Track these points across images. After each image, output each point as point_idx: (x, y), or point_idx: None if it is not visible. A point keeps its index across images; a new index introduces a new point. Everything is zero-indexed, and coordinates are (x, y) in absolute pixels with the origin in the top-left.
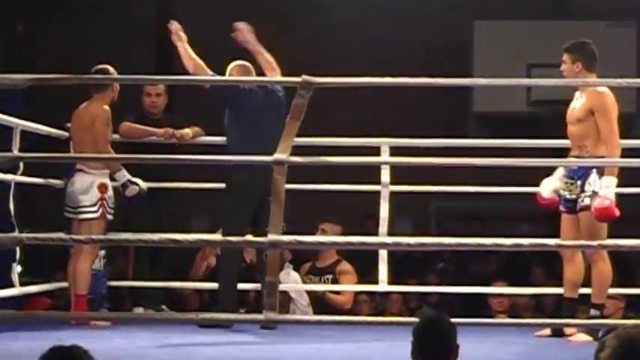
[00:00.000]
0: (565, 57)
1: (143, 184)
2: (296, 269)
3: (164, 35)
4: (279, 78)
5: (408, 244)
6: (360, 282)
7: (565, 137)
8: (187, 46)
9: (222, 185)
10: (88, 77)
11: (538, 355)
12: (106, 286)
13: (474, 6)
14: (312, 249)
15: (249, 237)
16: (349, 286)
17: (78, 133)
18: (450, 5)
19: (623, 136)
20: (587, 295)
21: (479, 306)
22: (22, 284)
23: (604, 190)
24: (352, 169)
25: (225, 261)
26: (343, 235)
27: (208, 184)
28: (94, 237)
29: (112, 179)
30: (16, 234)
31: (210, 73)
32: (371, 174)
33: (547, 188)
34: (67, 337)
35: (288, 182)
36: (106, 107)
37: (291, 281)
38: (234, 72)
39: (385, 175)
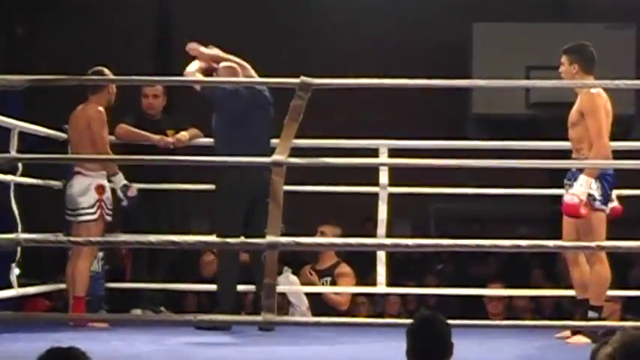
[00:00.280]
0: (563, 58)
1: (135, 189)
2: (296, 272)
3: (163, 36)
4: (277, 79)
5: (407, 246)
6: (358, 284)
7: (563, 139)
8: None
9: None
10: (86, 78)
11: (536, 357)
12: (104, 287)
13: (472, 8)
14: (311, 251)
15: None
16: (348, 288)
17: (75, 135)
18: (448, 7)
19: (621, 138)
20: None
21: (478, 308)
22: (20, 286)
23: (577, 188)
24: (351, 171)
25: (222, 263)
26: (342, 237)
27: (207, 185)
28: (91, 239)
29: (109, 181)
30: (14, 235)
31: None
32: (370, 176)
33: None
34: (65, 339)
35: (286, 184)
36: (101, 109)
37: (294, 288)
38: (223, 73)
39: (384, 177)
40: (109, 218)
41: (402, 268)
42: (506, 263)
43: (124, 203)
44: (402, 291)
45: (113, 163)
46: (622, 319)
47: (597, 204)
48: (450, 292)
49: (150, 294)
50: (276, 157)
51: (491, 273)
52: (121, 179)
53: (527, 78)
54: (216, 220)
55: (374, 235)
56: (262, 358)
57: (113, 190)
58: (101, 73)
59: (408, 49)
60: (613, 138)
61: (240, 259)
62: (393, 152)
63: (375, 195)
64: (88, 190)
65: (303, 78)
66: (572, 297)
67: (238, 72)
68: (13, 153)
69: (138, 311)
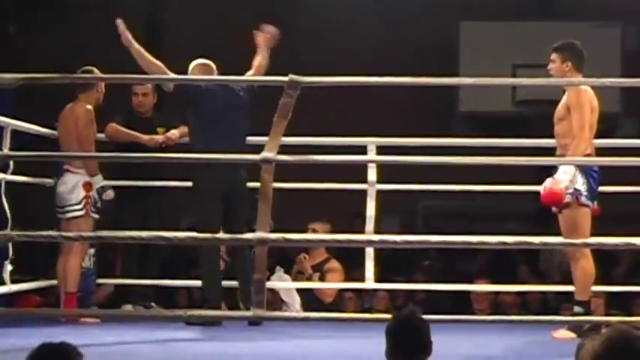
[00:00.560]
0: (554, 56)
1: (111, 192)
2: (287, 272)
3: (153, 35)
4: (266, 77)
5: (395, 242)
6: (347, 279)
7: (550, 136)
8: (138, 46)
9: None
10: (76, 77)
11: (523, 352)
12: (96, 283)
13: (460, 7)
14: (301, 247)
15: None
16: (336, 284)
17: (64, 133)
18: (436, 6)
19: (608, 136)
20: (572, 293)
21: (465, 303)
22: (12, 282)
23: (560, 174)
24: (341, 168)
25: (204, 260)
26: (332, 234)
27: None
28: (83, 234)
29: None
30: (6, 231)
31: (169, 72)
32: (359, 173)
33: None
34: (57, 334)
35: (275, 181)
36: (89, 107)
37: (285, 287)
38: (197, 71)
39: (372, 174)
40: (95, 215)
41: (391, 264)
42: (493, 259)
43: (98, 205)
44: (390, 287)
45: (94, 164)
46: (606, 314)
47: (583, 199)
48: (438, 288)
49: (141, 290)
50: (265, 154)
51: (478, 269)
52: (99, 180)
53: (514, 76)
54: (195, 217)
55: (362, 232)
56: (252, 352)
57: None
58: (90, 73)
59: (397, 47)
60: (599, 135)
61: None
62: (382, 150)
63: (364, 192)
64: (76, 187)
65: (292, 76)
66: (558, 292)
67: (213, 70)
68: (6, 151)
69: (129, 307)
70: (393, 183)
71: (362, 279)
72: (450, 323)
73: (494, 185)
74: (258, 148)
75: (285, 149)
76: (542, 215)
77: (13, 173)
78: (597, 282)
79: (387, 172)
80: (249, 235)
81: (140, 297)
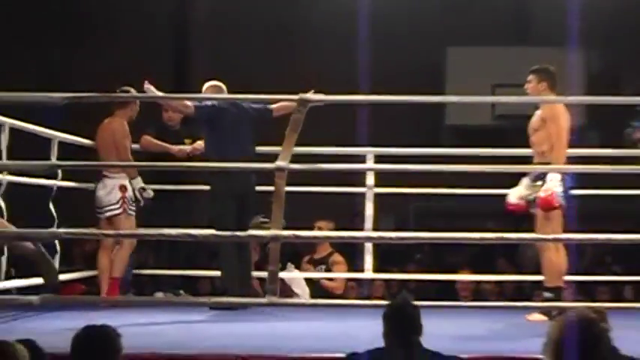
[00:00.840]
0: (531, 77)
1: (150, 191)
2: (297, 263)
3: (180, 60)
4: (279, 96)
5: (390, 238)
6: (349, 271)
7: (525, 146)
8: (161, 94)
9: None
10: (113, 95)
11: (500, 332)
12: (132, 273)
13: (446, 34)
14: (309, 242)
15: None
16: (340, 274)
17: (102, 144)
18: (426, 33)
19: (575, 146)
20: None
21: (451, 291)
22: (59, 273)
23: (549, 183)
24: (343, 174)
25: (223, 255)
26: (335, 231)
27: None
28: (121, 232)
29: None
30: (54, 229)
31: (188, 104)
32: (359, 178)
33: (514, 195)
34: (98, 318)
35: (287, 185)
36: (124, 122)
37: (295, 280)
38: (209, 92)
39: (370, 179)
40: (132, 213)
41: (386, 257)
42: (475, 253)
43: (141, 203)
44: (386, 277)
45: (134, 169)
46: (573, 300)
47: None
48: (427, 278)
49: (170, 279)
50: (279, 162)
51: (462, 261)
52: (138, 182)
53: (493, 94)
54: (213, 216)
55: (362, 229)
56: (267, 332)
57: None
58: (127, 92)
59: (393, 69)
60: (569, 145)
61: None
62: (379, 158)
63: (363, 195)
64: (113, 190)
65: (302, 95)
66: (531, 281)
67: (223, 90)
68: (54, 160)
69: (160, 294)
70: (388, 187)
71: (362, 270)
72: (437, 308)
73: (476, 189)
74: (264, 157)
75: (295, 158)
76: (519, 215)
77: (62, 179)
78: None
79: (383, 178)
80: (264, 233)
81: (169, 286)
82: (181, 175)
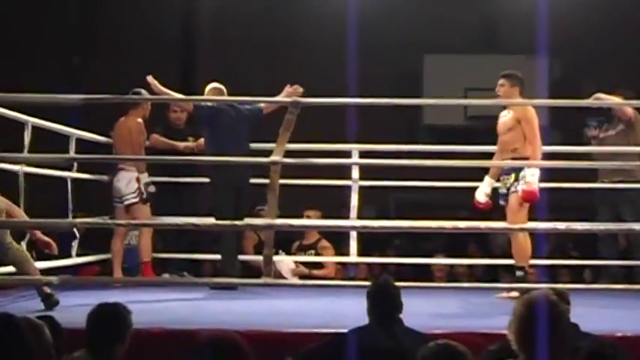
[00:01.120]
0: (504, 81)
1: (153, 187)
2: (287, 248)
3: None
4: (274, 98)
5: (373, 227)
6: (335, 255)
7: (493, 144)
8: (165, 90)
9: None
10: (125, 97)
11: (471, 310)
12: (140, 257)
13: (424, 43)
14: (300, 230)
15: (252, 220)
16: (327, 258)
17: (119, 140)
18: (406, 43)
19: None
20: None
21: (427, 274)
22: (77, 256)
23: (530, 177)
24: (331, 168)
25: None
26: (323, 219)
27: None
28: (132, 221)
29: None
30: (71, 219)
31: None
32: (344, 172)
33: (481, 195)
34: (111, 296)
35: (281, 178)
36: (140, 120)
37: (284, 264)
38: (211, 93)
39: (355, 173)
40: (145, 201)
41: (369, 243)
42: (448, 239)
43: (144, 196)
44: (369, 260)
45: (143, 164)
46: (536, 282)
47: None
48: (406, 262)
49: (176, 262)
50: (273, 157)
51: (437, 247)
52: (145, 177)
53: (465, 97)
54: (213, 206)
55: (347, 218)
56: (262, 309)
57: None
58: (139, 93)
59: (376, 75)
60: None
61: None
62: (363, 154)
63: (349, 187)
64: (131, 181)
65: (295, 98)
66: (499, 264)
67: (224, 92)
68: (72, 154)
69: (167, 275)
70: (370, 179)
71: (347, 254)
72: (415, 289)
73: (450, 182)
74: (260, 152)
75: (288, 154)
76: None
77: (78, 171)
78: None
79: (366, 171)
80: (259, 221)
81: (175, 267)
82: (186, 169)
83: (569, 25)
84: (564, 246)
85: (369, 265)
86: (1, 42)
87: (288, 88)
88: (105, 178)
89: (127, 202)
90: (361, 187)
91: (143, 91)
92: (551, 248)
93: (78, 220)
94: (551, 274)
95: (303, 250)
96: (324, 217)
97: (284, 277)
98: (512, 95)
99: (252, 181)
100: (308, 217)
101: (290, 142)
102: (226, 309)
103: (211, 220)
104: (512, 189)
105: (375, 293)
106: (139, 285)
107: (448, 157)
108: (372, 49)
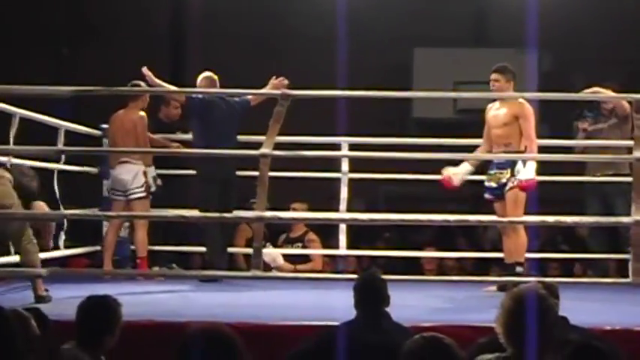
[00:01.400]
0: (499, 76)
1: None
2: (274, 241)
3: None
4: (264, 91)
5: (362, 220)
6: (323, 248)
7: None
8: (159, 82)
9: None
10: (113, 89)
11: (460, 303)
12: (130, 249)
13: (414, 37)
14: (287, 223)
15: (241, 213)
16: (316, 250)
17: (119, 134)
18: (396, 36)
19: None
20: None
21: (417, 266)
22: (65, 248)
23: (528, 169)
24: (320, 161)
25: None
26: (310, 212)
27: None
28: (121, 213)
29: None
30: (61, 211)
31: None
32: (334, 164)
33: (458, 179)
34: (101, 289)
35: (271, 170)
36: (143, 114)
37: (272, 256)
38: (203, 83)
39: (345, 165)
40: (150, 196)
41: (358, 235)
42: (438, 232)
43: (153, 189)
44: (358, 253)
45: (149, 157)
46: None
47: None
48: (396, 254)
49: (165, 254)
50: (263, 150)
51: (427, 240)
52: (152, 171)
53: (455, 90)
54: (198, 198)
55: (337, 211)
56: (251, 302)
57: None
58: (138, 86)
59: (366, 68)
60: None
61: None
62: (352, 147)
63: (338, 180)
64: (138, 175)
65: (284, 90)
66: (488, 258)
67: (216, 81)
68: (60, 146)
69: (156, 268)
70: (360, 172)
71: (335, 247)
72: (405, 282)
73: (440, 175)
74: (250, 145)
75: (277, 146)
76: (476, 199)
77: (65, 163)
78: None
79: (356, 164)
80: (249, 213)
81: (165, 260)
82: (175, 162)
83: (559, 19)
84: (554, 239)
85: (358, 258)
86: None
87: (273, 80)
88: (94, 170)
89: (133, 196)
90: (351, 180)
91: (142, 83)
92: (541, 242)
93: (68, 211)
94: (542, 267)
95: (290, 242)
96: (312, 209)
97: (273, 271)
98: (507, 91)
99: (243, 173)
100: (294, 209)
101: (279, 134)
102: (216, 301)
103: (200, 214)
104: (510, 184)
105: (362, 287)
106: (129, 277)
107: (437, 150)
108: (362, 42)
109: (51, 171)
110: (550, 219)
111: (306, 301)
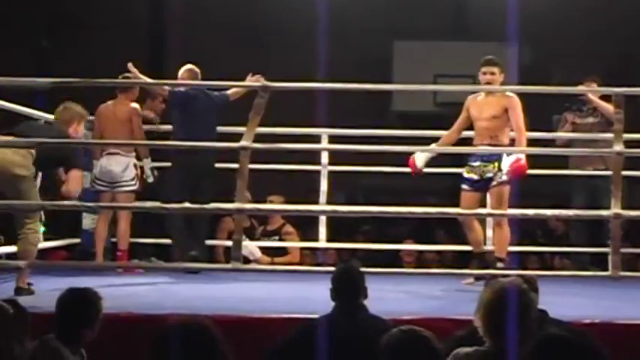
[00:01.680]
0: (495, 69)
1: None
2: (251, 234)
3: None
4: (244, 82)
5: (342, 212)
6: (303, 240)
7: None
8: (144, 77)
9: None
10: (92, 81)
11: (439, 296)
12: (110, 242)
13: (393, 30)
14: (265, 215)
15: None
16: (295, 243)
17: (111, 125)
18: (375, 29)
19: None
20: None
21: (396, 259)
22: (44, 240)
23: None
24: (299, 153)
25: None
26: (287, 204)
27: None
28: (101, 204)
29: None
30: (40, 201)
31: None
32: (314, 157)
33: (422, 161)
34: (80, 282)
35: (250, 163)
36: (137, 106)
37: (250, 249)
38: (185, 75)
39: (324, 158)
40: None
41: (337, 228)
42: (417, 225)
43: (150, 180)
44: (338, 246)
45: (146, 149)
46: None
47: (505, 178)
48: (375, 247)
49: (144, 247)
50: (243, 142)
51: (406, 233)
52: (149, 162)
53: (435, 83)
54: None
55: (316, 203)
56: (231, 295)
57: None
58: (129, 77)
59: (346, 61)
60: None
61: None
62: (332, 139)
63: (317, 172)
64: (128, 167)
65: (264, 82)
66: (467, 251)
67: (198, 74)
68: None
69: (136, 260)
70: (340, 165)
71: (315, 239)
72: (384, 275)
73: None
74: (230, 137)
75: (257, 138)
76: (454, 191)
77: None
78: None
79: (336, 156)
80: (229, 205)
81: (144, 253)
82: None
83: (540, 12)
84: (533, 233)
85: (338, 251)
86: None
87: (250, 77)
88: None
89: (122, 189)
90: (330, 172)
91: (131, 76)
92: (520, 236)
93: (47, 202)
94: (521, 260)
95: (267, 235)
96: (291, 202)
97: (251, 263)
98: (498, 82)
99: (222, 165)
100: (271, 202)
101: (259, 126)
102: (196, 294)
103: (180, 206)
104: (499, 179)
105: (339, 279)
106: (109, 269)
107: (417, 143)
108: (343, 35)
109: None
110: (530, 212)
111: (286, 294)
